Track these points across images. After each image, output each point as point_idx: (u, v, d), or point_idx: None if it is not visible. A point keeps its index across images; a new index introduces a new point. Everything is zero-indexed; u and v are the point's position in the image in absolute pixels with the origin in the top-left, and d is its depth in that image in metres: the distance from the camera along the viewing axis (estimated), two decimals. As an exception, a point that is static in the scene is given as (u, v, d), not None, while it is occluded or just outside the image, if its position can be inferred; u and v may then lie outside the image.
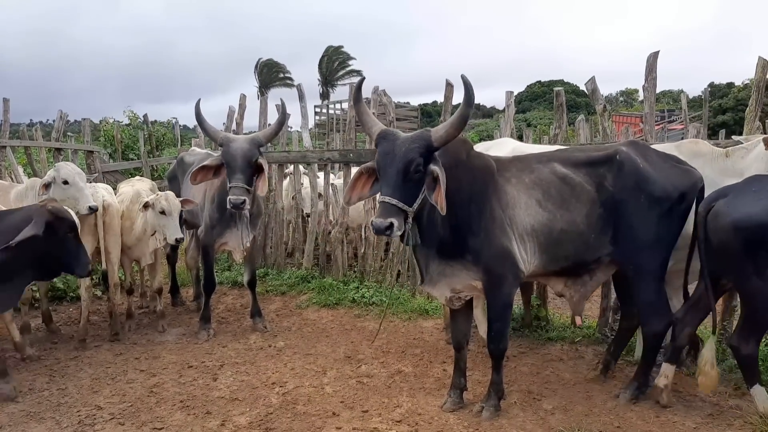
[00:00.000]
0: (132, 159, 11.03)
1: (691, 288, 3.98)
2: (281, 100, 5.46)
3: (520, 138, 7.43)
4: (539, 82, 52.64)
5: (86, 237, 4.74)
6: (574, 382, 4.32)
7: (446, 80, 5.86)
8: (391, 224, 3.11)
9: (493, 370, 3.79)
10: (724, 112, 29.92)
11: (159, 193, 5.15)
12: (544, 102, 45.76)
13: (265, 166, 4.93)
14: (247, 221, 5.24)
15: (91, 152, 9.49)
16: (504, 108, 6.21)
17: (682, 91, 24.84)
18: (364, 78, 4.23)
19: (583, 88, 5.64)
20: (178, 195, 6.34)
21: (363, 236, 7.12)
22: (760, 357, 3.76)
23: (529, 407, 3.92)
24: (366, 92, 7.78)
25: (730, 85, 38.14)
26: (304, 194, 7.92)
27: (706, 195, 3.80)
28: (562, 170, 3.71)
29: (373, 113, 6.95)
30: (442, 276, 3.64)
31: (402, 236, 3.28)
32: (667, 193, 3.61)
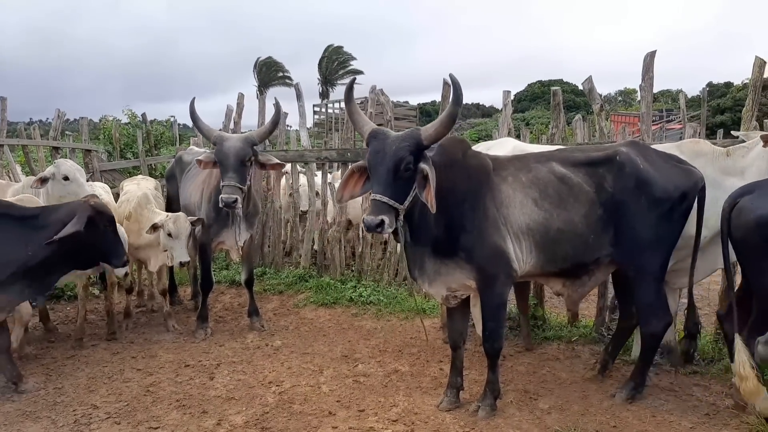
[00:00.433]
0: (130, 158, 11.02)
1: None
2: (276, 99, 5.48)
3: (517, 138, 7.42)
4: (539, 81, 52.60)
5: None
6: (571, 382, 4.32)
7: (444, 80, 5.85)
8: (382, 221, 3.13)
9: (488, 369, 3.78)
10: (723, 111, 29.96)
11: (169, 214, 5.11)
12: (543, 101, 45.77)
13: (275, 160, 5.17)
14: (242, 220, 5.23)
15: (89, 151, 9.47)
16: (502, 107, 6.21)
17: (680, 90, 24.84)
18: (355, 78, 4.25)
19: (581, 87, 5.63)
20: (176, 194, 6.37)
21: (361, 235, 7.12)
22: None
23: (525, 406, 3.92)
24: (364, 91, 7.81)
25: (729, 84, 38.15)
26: (300, 192, 7.91)
27: (707, 194, 3.80)
28: (560, 170, 3.71)
29: (371, 112, 7.02)
30: (438, 275, 3.64)
31: (394, 234, 3.30)
32: (668, 193, 3.61)
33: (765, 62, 4.49)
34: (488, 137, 22.20)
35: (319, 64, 49.22)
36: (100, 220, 4.10)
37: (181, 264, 5.11)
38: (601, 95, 5.49)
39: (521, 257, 3.63)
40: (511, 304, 5.45)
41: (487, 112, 55.12)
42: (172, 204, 6.58)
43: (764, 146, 3.72)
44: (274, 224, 7.79)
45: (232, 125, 8.12)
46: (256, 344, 5.24)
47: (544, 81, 51.46)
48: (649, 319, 3.79)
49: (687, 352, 4.29)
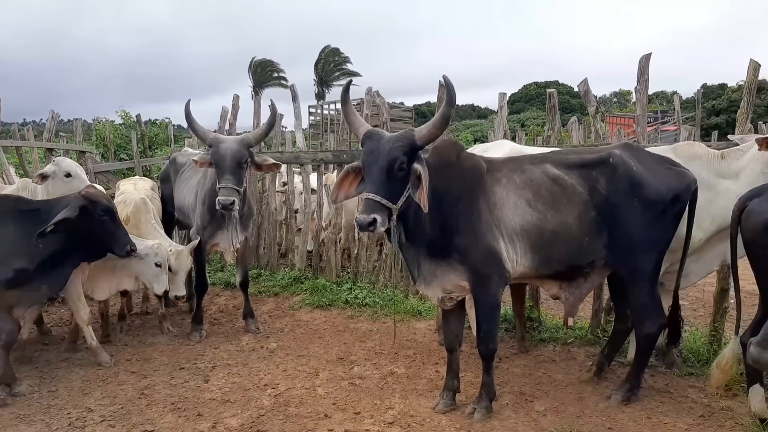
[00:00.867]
0: (124, 159, 10.98)
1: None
2: (271, 101, 5.46)
3: (513, 139, 7.43)
4: (535, 83, 52.77)
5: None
6: (566, 384, 4.32)
7: (439, 81, 5.85)
8: (375, 220, 3.15)
9: (483, 371, 3.78)
10: (718, 113, 30.10)
11: (174, 249, 5.06)
12: (537, 103, 45.87)
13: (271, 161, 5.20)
14: (238, 222, 5.22)
15: (83, 152, 9.45)
16: (497, 109, 6.21)
17: (675, 92, 24.94)
18: (351, 80, 4.27)
19: (577, 89, 5.64)
20: (170, 195, 6.35)
21: (356, 237, 7.11)
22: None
23: (521, 408, 3.92)
24: (361, 93, 7.80)
25: (723, 86, 38.36)
26: (295, 192, 7.89)
27: (702, 197, 3.82)
28: (554, 171, 3.71)
29: (367, 114, 7.01)
30: (433, 276, 3.64)
31: (387, 234, 3.30)
32: (660, 195, 3.62)
33: (759, 65, 4.50)
34: (484, 138, 22.24)
35: (316, 66, 49.27)
36: (93, 209, 4.11)
37: (177, 298, 5.12)
38: (596, 97, 5.51)
39: (514, 258, 3.63)
40: (508, 306, 5.46)
41: (483, 114, 55.21)
42: (166, 205, 6.57)
43: (760, 149, 3.73)
44: (269, 226, 7.78)
45: (227, 126, 8.11)
46: (252, 346, 5.22)
47: (539, 82, 51.62)
48: (644, 320, 3.80)
49: (665, 347, 4.29)
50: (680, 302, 4.17)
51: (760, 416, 3.50)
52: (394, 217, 3.29)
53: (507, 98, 6.11)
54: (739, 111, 4.59)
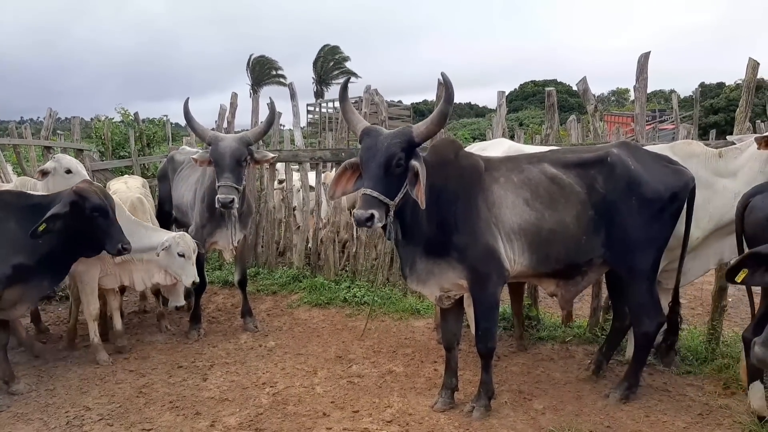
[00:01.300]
0: (124, 156, 10.94)
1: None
2: (270, 98, 5.45)
3: (511, 138, 7.43)
4: (532, 81, 52.73)
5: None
6: (565, 382, 4.32)
7: (438, 79, 5.84)
8: (372, 215, 3.15)
9: (482, 369, 3.79)
10: (716, 112, 30.08)
11: (174, 233, 4.96)
12: (535, 101, 45.87)
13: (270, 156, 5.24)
14: (237, 220, 5.21)
15: (81, 150, 9.41)
16: (496, 108, 6.20)
17: (673, 91, 24.94)
18: (350, 78, 4.27)
19: (575, 88, 5.64)
20: (168, 194, 6.34)
21: (355, 236, 7.10)
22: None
23: (519, 407, 3.92)
24: (359, 91, 7.80)
25: (721, 85, 38.35)
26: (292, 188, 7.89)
27: (700, 195, 3.82)
28: (552, 171, 3.71)
29: (365, 112, 7.01)
30: (430, 275, 3.64)
31: (384, 230, 3.32)
32: (658, 193, 3.62)
33: (758, 63, 4.50)
34: (482, 137, 22.23)
35: (314, 64, 49.25)
36: (84, 205, 4.06)
37: (193, 284, 4.90)
38: (594, 95, 5.50)
39: (512, 257, 3.63)
40: (506, 304, 5.46)
41: (480, 112, 55.18)
42: (164, 204, 6.56)
43: (759, 149, 3.73)
44: (268, 224, 7.76)
45: (225, 125, 8.09)
46: (250, 345, 5.22)
47: (537, 81, 51.59)
48: (642, 318, 3.80)
49: (665, 344, 4.28)
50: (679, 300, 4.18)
51: (758, 414, 3.51)
52: (392, 213, 3.29)
53: (505, 97, 6.10)
54: (737, 110, 4.58)
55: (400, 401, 4.01)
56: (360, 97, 7.85)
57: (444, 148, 3.73)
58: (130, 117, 12.65)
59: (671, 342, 4.23)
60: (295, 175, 7.86)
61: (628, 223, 3.64)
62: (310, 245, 7.55)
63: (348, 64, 49.34)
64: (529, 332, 5.31)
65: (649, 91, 5.23)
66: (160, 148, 12.69)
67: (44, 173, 4.97)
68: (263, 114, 6.45)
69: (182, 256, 4.75)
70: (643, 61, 4.90)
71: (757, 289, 3.58)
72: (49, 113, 9.09)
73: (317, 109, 27.14)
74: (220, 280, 7.40)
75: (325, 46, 49.43)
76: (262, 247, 7.82)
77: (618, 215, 3.65)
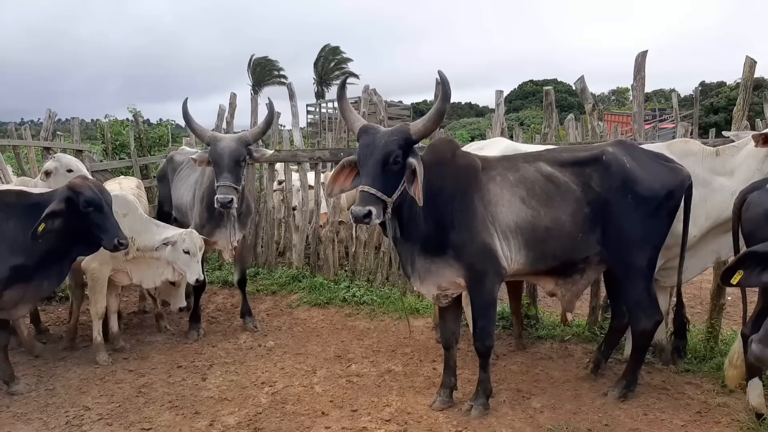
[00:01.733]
0: (124, 158, 10.96)
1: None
2: (269, 99, 5.46)
3: (511, 137, 7.44)
4: (531, 81, 52.72)
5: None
6: (563, 381, 4.33)
7: (436, 79, 5.85)
8: (370, 212, 3.17)
9: (480, 368, 3.80)
10: (716, 111, 30.07)
11: (181, 231, 4.91)
12: (535, 101, 45.84)
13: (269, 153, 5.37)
14: (236, 220, 5.22)
15: (80, 151, 9.42)
16: (495, 107, 6.21)
17: (673, 90, 24.97)
18: (347, 76, 4.29)
19: (575, 87, 5.65)
20: (167, 194, 6.35)
21: (354, 235, 7.11)
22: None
23: (518, 405, 3.93)
24: (359, 91, 7.81)
25: (722, 84, 38.32)
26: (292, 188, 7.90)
27: (697, 193, 3.83)
28: (547, 169, 3.73)
29: (364, 112, 7.01)
30: (428, 273, 3.65)
31: (383, 227, 3.33)
32: (654, 191, 3.63)
33: (755, 62, 4.51)
34: (482, 136, 22.24)
35: (315, 64, 49.27)
36: (78, 201, 4.02)
37: (197, 282, 4.82)
38: (594, 95, 5.51)
39: (509, 255, 3.64)
40: (506, 304, 5.46)
41: (481, 112, 55.19)
42: (163, 205, 6.57)
43: (756, 146, 3.74)
44: (267, 224, 7.78)
45: (224, 125, 8.10)
46: (249, 345, 5.23)
47: (536, 80, 51.57)
48: (639, 317, 3.81)
49: (677, 350, 4.29)
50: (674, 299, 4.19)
51: (757, 411, 3.51)
52: (389, 210, 3.31)
53: (503, 96, 6.11)
54: (735, 108, 4.60)
55: (398, 400, 4.02)
56: (359, 97, 7.85)
57: (441, 148, 3.75)
58: (142, 117, 12.64)
59: (682, 347, 4.24)
60: (295, 175, 7.88)
61: (624, 221, 3.65)
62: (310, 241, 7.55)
63: (349, 65, 49.39)
64: (528, 331, 5.32)
65: (649, 90, 5.28)
66: (159, 148, 12.71)
67: (48, 173, 5.00)
68: (262, 114, 6.46)
69: (187, 252, 4.73)
70: (641, 60, 4.91)
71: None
72: (48, 114, 9.10)
73: (317, 110, 27.14)
74: (219, 280, 7.42)
75: (325, 46, 49.47)
76: (261, 247, 7.83)
77: (614, 213, 3.66)
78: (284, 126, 12.25)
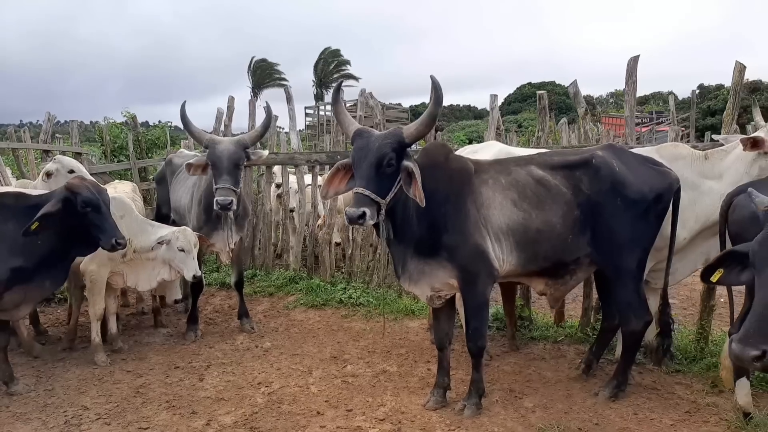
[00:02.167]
0: (123, 160, 11.02)
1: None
2: (266, 102, 5.53)
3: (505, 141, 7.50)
4: (529, 83, 52.81)
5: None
6: (556, 381, 4.38)
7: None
8: (364, 213, 3.23)
9: (473, 368, 3.85)
10: (713, 114, 30.12)
11: (177, 229, 4.94)
12: (533, 103, 45.87)
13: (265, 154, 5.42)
14: (233, 223, 5.27)
15: (79, 154, 9.49)
16: (489, 110, 6.28)
17: (671, 92, 25.07)
18: (343, 80, 4.37)
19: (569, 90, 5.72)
20: (166, 197, 6.41)
21: (350, 237, 7.17)
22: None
23: (510, 405, 3.99)
24: (357, 94, 7.86)
25: (720, 87, 38.41)
26: (290, 192, 7.96)
27: (686, 196, 3.89)
28: (538, 172, 3.80)
29: (361, 116, 7.08)
30: (421, 275, 3.71)
31: (376, 229, 3.39)
32: (642, 194, 3.70)
33: (745, 67, 4.58)
34: (480, 138, 22.30)
35: (315, 67, 49.32)
36: (76, 201, 4.04)
37: (194, 278, 4.83)
38: (593, 97, 5.59)
39: (501, 257, 3.70)
40: (499, 305, 5.52)
41: (479, 114, 55.27)
42: (162, 207, 6.63)
43: (744, 150, 3.81)
44: (265, 227, 7.83)
45: (222, 128, 8.16)
46: (246, 346, 5.28)
47: (534, 83, 51.66)
48: (629, 318, 3.87)
49: (661, 347, 4.35)
50: (671, 301, 4.25)
51: (744, 410, 3.56)
52: (383, 212, 3.37)
53: (498, 100, 6.19)
54: (725, 112, 4.67)
55: (393, 400, 4.08)
56: (357, 100, 7.91)
57: (435, 151, 3.82)
58: (132, 121, 12.69)
59: (666, 345, 4.30)
60: (292, 178, 7.94)
61: (613, 223, 3.72)
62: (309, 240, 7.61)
63: (349, 68, 49.46)
64: (522, 332, 5.37)
65: (648, 92, 5.37)
66: (158, 151, 12.75)
67: (49, 175, 5.07)
68: (260, 118, 6.52)
69: (182, 250, 4.77)
70: (632, 64, 4.98)
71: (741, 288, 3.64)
72: (47, 117, 9.17)
73: (315, 112, 27.21)
74: (217, 282, 7.47)
75: (325, 49, 49.52)
76: (259, 249, 7.89)
77: (603, 215, 3.73)
78: (282, 128, 12.32)
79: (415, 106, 43.77)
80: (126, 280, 5.00)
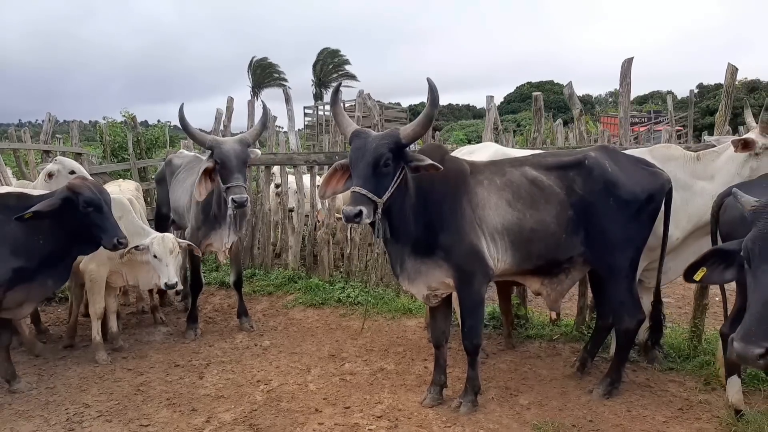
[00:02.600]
0: (127, 158, 11.06)
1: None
2: (263, 102, 5.61)
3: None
4: (529, 82, 52.88)
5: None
6: (551, 379, 4.44)
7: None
8: (360, 212, 3.28)
9: (468, 365, 3.91)
10: (712, 113, 30.12)
11: (158, 235, 4.89)
12: (532, 102, 45.91)
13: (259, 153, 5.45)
14: (232, 222, 5.32)
15: (80, 154, 9.53)
16: (486, 111, 6.33)
17: (669, 92, 25.12)
18: (341, 82, 4.42)
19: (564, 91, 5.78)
20: (165, 197, 6.46)
21: (349, 237, 7.23)
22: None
23: (505, 402, 4.04)
24: (356, 94, 7.92)
25: (719, 86, 38.46)
26: (289, 192, 8.02)
27: (678, 197, 3.95)
28: (532, 173, 3.86)
29: (359, 116, 7.13)
30: (418, 274, 3.76)
31: (373, 228, 3.45)
32: (635, 195, 3.76)
33: (737, 69, 4.64)
34: (478, 138, 22.35)
35: (314, 67, 49.36)
36: (77, 200, 4.08)
37: (167, 286, 4.76)
38: (592, 96, 5.64)
39: (496, 256, 3.76)
40: (496, 304, 5.58)
41: (478, 113, 55.33)
42: (161, 207, 6.68)
43: (735, 151, 3.86)
44: (264, 226, 7.89)
45: (221, 128, 8.21)
46: (245, 344, 5.34)
47: (533, 82, 51.71)
48: (622, 316, 3.94)
49: (652, 341, 4.40)
50: (666, 300, 4.30)
51: (735, 407, 3.61)
52: (380, 211, 3.41)
53: (494, 100, 6.24)
54: (717, 114, 4.72)
55: (390, 397, 4.13)
56: (355, 100, 7.97)
57: (431, 153, 3.85)
58: (132, 121, 12.73)
59: (655, 339, 4.36)
60: (291, 178, 8.00)
61: (606, 223, 3.78)
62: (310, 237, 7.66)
63: (349, 68, 49.51)
64: (518, 331, 5.43)
65: (646, 92, 5.40)
66: (157, 152, 12.80)
67: (51, 175, 5.14)
68: (259, 118, 6.58)
69: (155, 257, 4.73)
70: (627, 66, 5.04)
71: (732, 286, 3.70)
72: (48, 117, 9.21)
73: (314, 112, 27.23)
74: (216, 281, 7.52)
75: (324, 49, 49.59)
76: (258, 248, 7.94)
77: (596, 215, 3.79)
78: (281, 128, 12.38)
79: (414, 105, 43.84)
80: (126, 279, 5.07)
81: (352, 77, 46.24)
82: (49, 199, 4.06)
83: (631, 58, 5.04)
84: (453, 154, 4.51)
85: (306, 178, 7.71)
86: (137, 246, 4.66)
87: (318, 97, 46.53)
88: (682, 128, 18.75)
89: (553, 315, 4.78)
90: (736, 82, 4.74)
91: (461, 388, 4.06)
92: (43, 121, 9.57)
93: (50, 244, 4.13)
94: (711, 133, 4.59)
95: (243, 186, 4.82)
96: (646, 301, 4.22)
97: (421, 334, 5.49)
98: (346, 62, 49.71)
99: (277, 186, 8.02)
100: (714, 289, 5.27)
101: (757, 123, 3.93)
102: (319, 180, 7.48)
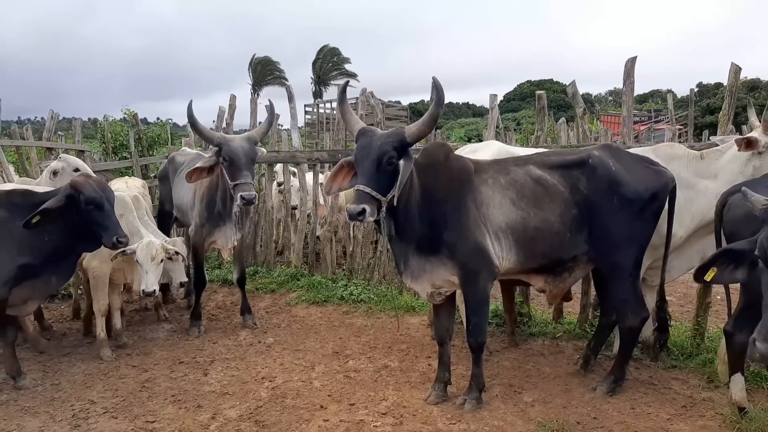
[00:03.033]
0: (127, 156, 11.05)
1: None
2: (269, 100, 5.60)
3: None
4: (529, 81, 52.83)
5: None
6: (554, 376, 4.46)
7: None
8: (364, 210, 3.29)
9: (473, 363, 3.93)
10: (712, 112, 30.18)
11: (144, 240, 4.83)
12: (533, 101, 45.86)
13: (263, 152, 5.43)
14: (236, 220, 5.34)
15: (82, 152, 9.52)
16: (489, 110, 6.35)
17: (669, 91, 25.09)
18: (348, 81, 4.44)
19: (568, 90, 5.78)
20: (168, 194, 6.47)
21: (351, 235, 7.24)
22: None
23: (510, 400, 4.06)
24: (357, 92, 7.94)
25: (719, 85, 38.47)
26: (291, 188, 8.04)
27: (682, 195, 3.97)
28: (536, 172, 3.87)
29: (362, 114, 7.15)
30: (422, 272, 3.78)
31: (378, 226, 3.46)
32: (638, 193, 3.77)
33: (740, 68, 4.65)
34: (479, 137, 22.39)
35: (314, 65, 49.31)
36: (79, 198, 4.10)
37: (144, 293, 4.75)
38: (591, 95, 5.66)
39: (501, 254, 3.78)
40: (499, 302, 5.59)
41: (479, 112, 55.31)
42: (164, 204, 6.69)
43: (739, 150, 3.88)
44: (266, 224, 7.90)
45: (224, 126, 8.22)
46: (249, 341, 5.35)
47: (533, 81, 51.67)
48: (626, 314, 3.95)
49: (659, 342, 4.42)
50: (668, 298, 4.32)
51: (739, 405, 3.63)
52: (384, 209, 3.43)
53: (498, 99, 6.25)
54: (720, 113, 4.74)
55: (395, 394, 4.15)
56: (357, 98, 7.98)
57: (435, 151, 3.89)
58: (134, 119, 12.72)
59: (663, 340, 4.37)
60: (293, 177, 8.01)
61: (610, 221, 3.79)
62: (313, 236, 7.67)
63: (349, 66, 49.47)
64: (521, 328, 5.45)
65: (646, 91, 5.41)
66: (158, 150, 12.79)
67: (55, 173, 5.16)
68: (261, 115, 6.60)
69: (137, 262, 4.73)
70: (630, 65, 5.05)
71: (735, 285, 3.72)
72: (50, 115, 9.20)
73: (315, 110, 27.22)
74: (219, 278, 7.53)
75: (324, 47, 49.51)
76: (261, 246, 7.95)
77: (600, 214, 3.80)
78: (282, 125, 12.38)
79: (415, 103, 43.76)
80: (126, 277, 5.08)
81: (352, 75, 46.18)
82: (53, 198, 4.08)
83: (635, 58, 5.06)
84: (456, 152, 4.52)
85: (309, 176, 7.72)
86: (124, 250, 4.58)
87: (317, 95, 46.47)
88: (682, 127, 18.77)
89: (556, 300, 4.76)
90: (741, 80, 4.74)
91: (465, 386, 4.08)
92: (43, 118, 9.57)
93: (55, 241, 4.15)
94: (712, 132, 4.61)
95: (251, 183, 4.86)
96: (650, 299, 4.24)
97: (424, 331, 5.51)
98: (346, 60, 49.71)
99: (279, 184, 8.03)
100: (717, 287, 5.28)
101: (760, 122, 3.95)
102: (321, 178, 7.53)
